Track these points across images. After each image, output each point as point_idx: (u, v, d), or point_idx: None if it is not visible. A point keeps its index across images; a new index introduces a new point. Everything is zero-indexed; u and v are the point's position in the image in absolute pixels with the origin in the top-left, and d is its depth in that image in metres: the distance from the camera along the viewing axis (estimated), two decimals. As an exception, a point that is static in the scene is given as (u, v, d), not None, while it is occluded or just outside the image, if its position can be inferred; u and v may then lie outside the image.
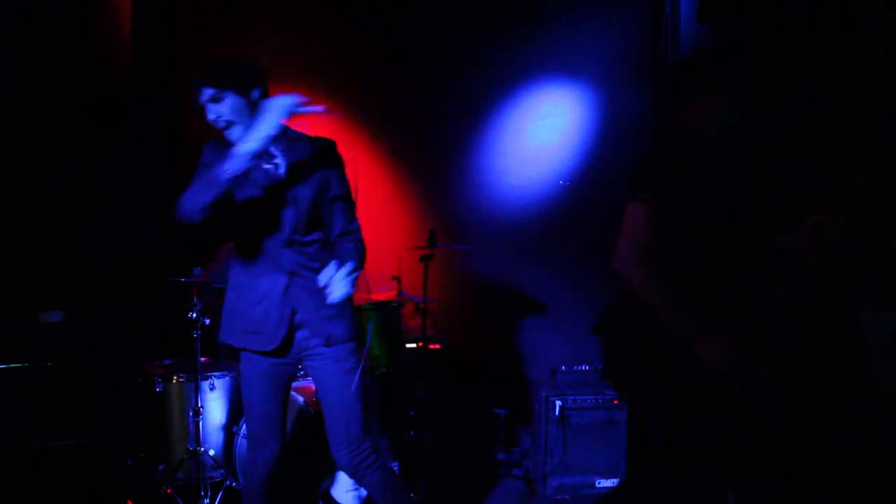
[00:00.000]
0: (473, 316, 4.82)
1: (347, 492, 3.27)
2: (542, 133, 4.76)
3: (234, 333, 2.48)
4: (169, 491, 3.40)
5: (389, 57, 4.70)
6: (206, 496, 3.36)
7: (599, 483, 3.78)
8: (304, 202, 2.40)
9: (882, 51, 3.10)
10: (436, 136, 4.74)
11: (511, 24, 4.67)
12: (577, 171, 4.74)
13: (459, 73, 4.70)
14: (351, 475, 2.58)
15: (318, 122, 4.71)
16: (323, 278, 2.26)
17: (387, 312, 3.75)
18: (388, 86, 4.71)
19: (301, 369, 3.21)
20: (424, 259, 4.05)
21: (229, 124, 2.29)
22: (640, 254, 2.10)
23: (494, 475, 4.12)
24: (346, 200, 2.53)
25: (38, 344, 3.48)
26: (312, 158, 2.43)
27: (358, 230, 2.56)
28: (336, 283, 2.24)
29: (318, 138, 2.50)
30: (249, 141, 2.17)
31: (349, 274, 2.26)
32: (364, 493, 3.31)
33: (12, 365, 3.34)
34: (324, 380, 2.51)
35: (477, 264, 4.75)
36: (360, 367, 2.49)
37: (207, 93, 2.29)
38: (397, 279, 4.16)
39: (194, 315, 3.39)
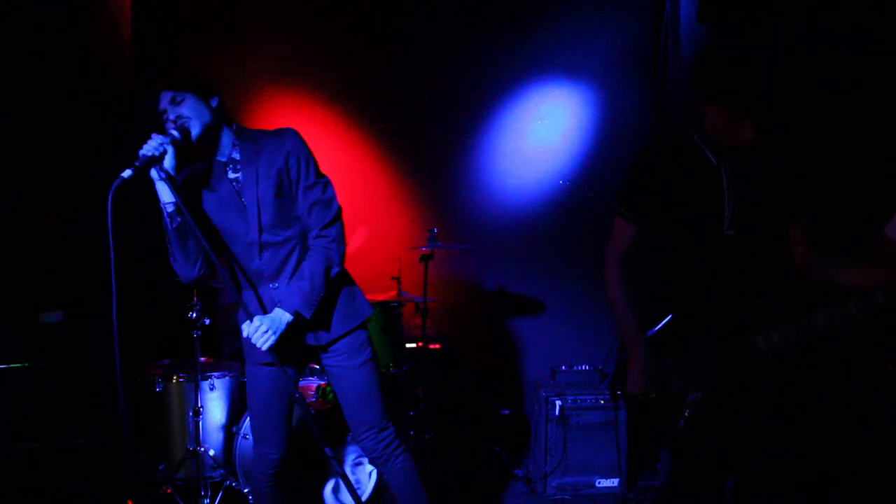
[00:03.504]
0: (473, 316, 4.82)
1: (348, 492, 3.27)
2: (542, 133, 4.76)
3: (245, 348, 2.52)
4: (169, 491, 3.40)
5: (390, 57, 4.70)
6: (206, 496, 3.36)
7: (599, 483, 3.78)
8: (268, 201, 2.36)
9: (882, 51, 3.10)
10: (436, 136, 4.74)
11: (511, 23, 4.66)
12: (577, 171, 4.74)
13: (459, 73, 4.70)
14: (376, 461, 2.61)
15: (320, 123, 4.72)
16: (244, 330, 2.28)
17: (387, 312, 3.75)
18: (389, 86, 4.71)
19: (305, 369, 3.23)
20: (424, 259, 4.06)
21: (187, 120, 2.26)
22: (621, 257, 2.26)
23: (494, 475, 4.12)
24: (314, 189, 2.40)
25: (38, 344, 3.48)
26: (269, 154, 2.37)
27: (332, 234, 2.41)
28: (256, 338, 2.26)
29: (274, 131, 2.42)
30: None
31: (266, 329, 2.26)
32: (363, 493, 3.31)
33: (12, 365, 3.34)
34: (338, 375, 2.53)
35: (477, 264, 4.74)
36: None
37: (167, 96, 2.28)
38: (397, 279, 4.16)
39: (194, 315, 3.39)
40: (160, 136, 2.19)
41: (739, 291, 2.14)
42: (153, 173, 2.18)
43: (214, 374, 3.58)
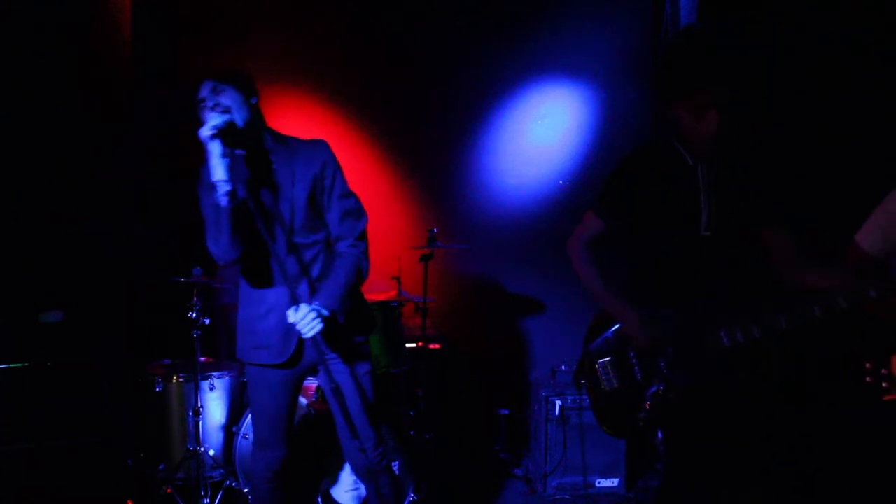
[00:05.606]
0: (473, 316, 4.82)
1: (347, 492, 3.27)
2: (542, 133, 4.76)
3: (247, 351, 2.49)
4: (169, 491, 3.40)
5: (390, 57, 4.70)
6: (206, 496, 3.36)
7: (599, 483, 3.78)
8: (301, 203, 2.38)
9: (882, 51, 3.10)
10: (436, 136, 4.74)
11: (511, 23, 4.66)
12: (577, 171, 4.74)
13: (459, 73, 4.70)
14: (367, 475, 2.58)
15: (320, 123, 4.72)
16: (290, 316, 2.24)
17: (387, 312, 3.75)
18: (389, 86, 4.71)
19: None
20: (424, 259, 4.06)
21: (227, 110, 2.23)
22: (587, 243, 2.41)
23: (494, 475, 4.12)
24: (347, 199, 2.46)
25: (38, 344, 3.48)
26: (305, 159, 2.40)
27: (363, 246, 2.47)
28: (302, 325, 2.23)
29: (309, 140, 2.48)
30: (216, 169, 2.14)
31: (315, 315, 2.23)
32: (364, 492, 3.31)
33: (12, 365, 3.34)
34: (342, 384, 2.47)
35: (477, 264, 4.74)
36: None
37: (208, 85, 2.27)
38: (397, 279, 4.16)
39: (194, 315, 3.39)
40: (218, 114, 2.18)
41: (712, 289, 2.21)
42: (216, 147, 2.12)
43: (214, 374, 3.58)
